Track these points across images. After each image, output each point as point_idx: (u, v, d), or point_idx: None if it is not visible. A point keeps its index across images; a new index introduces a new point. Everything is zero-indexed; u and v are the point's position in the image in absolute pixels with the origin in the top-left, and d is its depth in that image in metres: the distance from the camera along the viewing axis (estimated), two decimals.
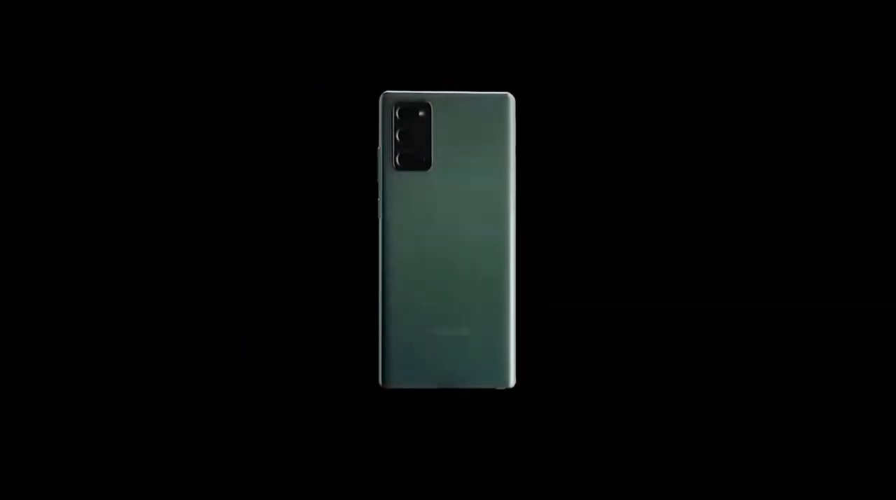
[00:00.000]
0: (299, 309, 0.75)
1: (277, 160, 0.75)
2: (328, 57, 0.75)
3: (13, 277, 0.72)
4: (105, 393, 0.73)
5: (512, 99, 0.73)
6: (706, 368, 0.74)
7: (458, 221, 0.72)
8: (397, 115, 0.72)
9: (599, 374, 0.75)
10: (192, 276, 0.74)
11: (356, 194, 0.74)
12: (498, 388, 0.72)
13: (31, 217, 0.73)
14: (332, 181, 0.75)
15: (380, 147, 0.72)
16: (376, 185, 0.73)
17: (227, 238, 0.75)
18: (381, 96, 0.72)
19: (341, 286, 0.75)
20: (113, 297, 0.73)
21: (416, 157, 0.72)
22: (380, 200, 0.72)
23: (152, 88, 0.74)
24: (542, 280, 0.75)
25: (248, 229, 0.75)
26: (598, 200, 0.75)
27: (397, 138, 0.72)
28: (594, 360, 0.75)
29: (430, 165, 0.72)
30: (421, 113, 0.72)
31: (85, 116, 0.73)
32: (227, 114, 0.74)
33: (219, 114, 0.74)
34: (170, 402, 0.73)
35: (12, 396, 0.71)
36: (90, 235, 0.73)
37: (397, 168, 0.72)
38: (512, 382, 0.72)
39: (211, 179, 0.74)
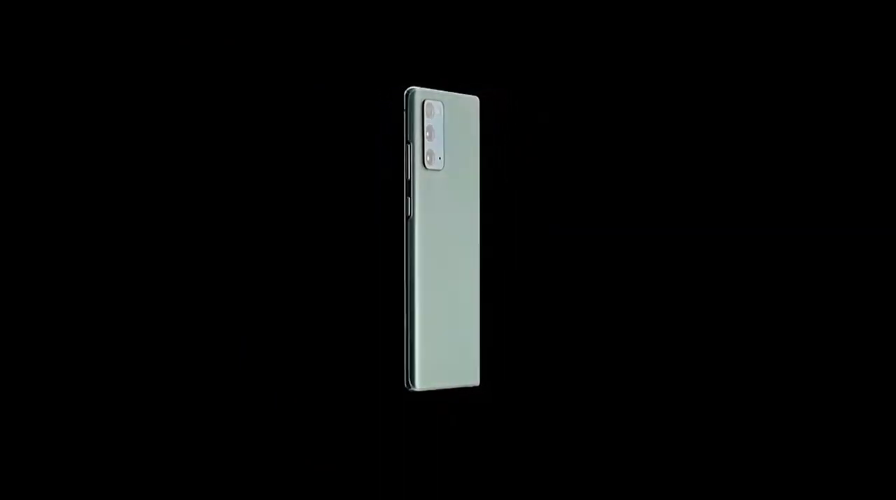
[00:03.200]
0: (310, 312, 0.71)
1: (288, 165, 0.71)
2: (327, 56, 0.72)
3: (16, 277, 0.64)
4: (132, 393, 0.67)
5: (477, 101, 0.75)
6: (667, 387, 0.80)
7: (455, 222, 0.74)
8: (425, 112, 0.71)
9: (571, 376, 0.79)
10: (210, 277, 0.68)
11: (352, 194, 0.72)
12: (468, 386, 0.74)
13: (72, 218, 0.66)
14: (336, 181, 0.72)
15: (409, 145, 0.71)
16: (403, 183, 0.71)
17: (237, 240, 0.69)
18: (408, 93, 0.71)
19: (350, 289, 0.72)
20: (142, 296, 0.68)
21: (437, 155, 0.72)
22: (409, 198, 0.71)
23: (163, 88, 0.68)
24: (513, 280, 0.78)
25: (254, 231, 0.70)
26: (581, 202, 0.80)
27: (427, 136, 0.71)
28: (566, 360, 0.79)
29: (445, 163, 0.73)
30: (438, 111, 0.72)
31: (98, 118, 0.66)
32: (229, 115, 0.69)
33: (224, 115, 0.69)
34: (180, 403, 0.68)
35: (12, 396, 0.65)
36: (110, 239, 0.67)
37: (425, 167, 0.71)
38: (477, 380, 0.75)
39: (229, 183, 0.69)
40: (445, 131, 0.72)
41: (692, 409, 0.79)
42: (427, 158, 0.71)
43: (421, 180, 0.71)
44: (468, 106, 0.74)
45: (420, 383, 0.71)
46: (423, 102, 0.71)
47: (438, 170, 0.72)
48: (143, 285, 0.68)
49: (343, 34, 0.73)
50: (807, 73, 0.80)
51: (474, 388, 0.74)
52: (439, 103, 0.72)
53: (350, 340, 0.72)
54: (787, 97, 0.80)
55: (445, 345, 0.72)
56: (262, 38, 0.70)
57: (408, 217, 0.71)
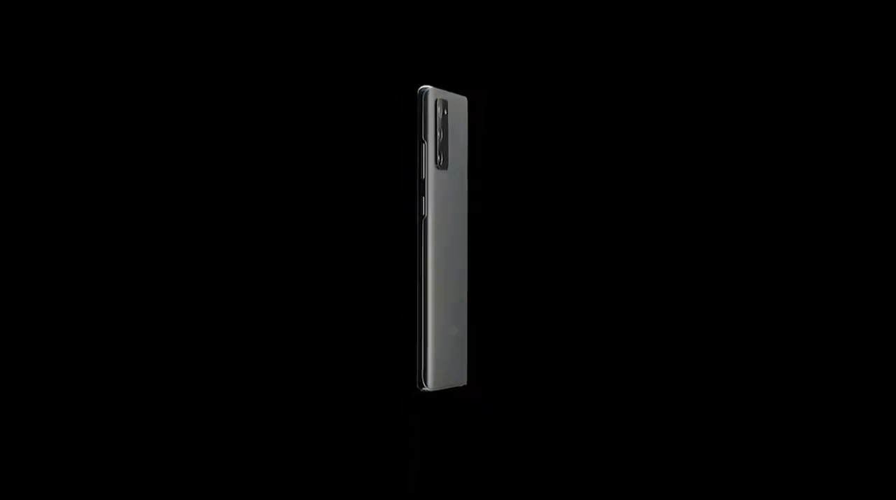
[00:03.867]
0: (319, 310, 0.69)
1: (295, 166, 0.70)
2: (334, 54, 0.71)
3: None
4: (157, 392, 0.68)
5: (466, 101, 0.76)
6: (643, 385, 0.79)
7: (457, 222, 0.74)
8: (440, 112, 0.71)
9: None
10: (220, 278, 0.68)
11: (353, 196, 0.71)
12: (458, 386, 0.75)
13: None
14: (346, 182, 0.71)
15: (425, 145, 0.71)
16: (417, 183, 0.71)
17: (248, 241, 0.69)
18: (423, 92, 0.71)
19: (359, 289, 0.71)
20: (161, 296, 0.68)
21: (446, 155, 0.72)
22: (423, 198, 0.70)
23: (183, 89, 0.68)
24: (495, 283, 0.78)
25: (263, 234, 0.69)
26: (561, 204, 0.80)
27: (440, 136, 0.71)
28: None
29: (449, 163, 0.73)
30: (445, 111, 0.72)
31: (138, 117, 0.68)
32: (239, 115, 0.69)
33: (236, 115, 0.69)
34: (193, 403, 0.68)
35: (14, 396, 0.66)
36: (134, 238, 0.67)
37: (437, 166, 0.71)
38: (465, 380, 0.76)
39: (238, 184, 0.69)
40: (449, 131, 0.73)
41: (674, 408, 0.79)
42: (439, 158, 0.71)
43: (434, 179, 0.71)
44: (460, 106, 0.74)
45: (432, 384, 0.71)
46: (436, 101, 0.71)
47: (446, 169, 0.72)
48: (163, 285, 0.68)
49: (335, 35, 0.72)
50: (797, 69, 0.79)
51: (463, 387, 0.75)
52: (445, 103, 0.72)
53: (359, 340, 0.71)
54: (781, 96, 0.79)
55: (450, 345, 0.72)
56: (262, 38, 0.70)
57: (422, 217, 0.70)
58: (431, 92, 0.71)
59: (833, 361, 0.77)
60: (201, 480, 0.68)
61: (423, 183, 0.70)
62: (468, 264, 0.75)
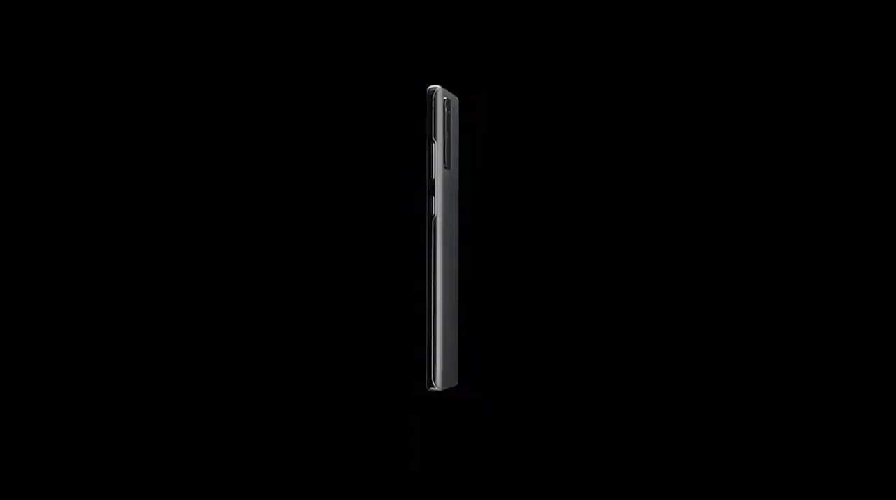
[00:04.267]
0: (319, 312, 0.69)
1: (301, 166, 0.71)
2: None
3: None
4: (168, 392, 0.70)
5: (457, 101, 0.76)
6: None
7: (456, 222, 0.75)
8: (448, 112, 0.71)
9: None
10: (223, 280, 0.69)
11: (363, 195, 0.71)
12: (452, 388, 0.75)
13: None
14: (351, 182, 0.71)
15: (434, 144, 0.71)
16: (427, 183, 0.71)
17: (253, 241, 0.70)
18: (432, 91, 0.70)
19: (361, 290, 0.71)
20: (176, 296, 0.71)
21: (451, 154, 0.72)
22: (433, 198, 0.70)
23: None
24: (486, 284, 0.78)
25: (269, 235, 0.70)
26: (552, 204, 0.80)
27: (447, 136, 0.71)
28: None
29: (451, 163, 0.73)
30: (449, 111, 0.73)
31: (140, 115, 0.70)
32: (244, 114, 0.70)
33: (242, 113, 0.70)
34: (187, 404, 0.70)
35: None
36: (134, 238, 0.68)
37: (445, 167, 0.71)
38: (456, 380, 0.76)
39: (245, 184, 0.70)
40: (452, 131, 0.73)
41: (672, 408, 0.78)
42: (446, 157, 0.71)
43: (442, 179, 0.71)
44: (454, 105, 0.75)
45: (441, 384, 0.71)
46: (445, 101, 0.71)
47: (449, 169, 0.72)
48: (165, 285, 0.69)
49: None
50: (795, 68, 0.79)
51: (456, 387, 0.75)
52: (449, 102, 0.72)
53: (361, 340, 0.71)
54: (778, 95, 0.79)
55: (452, 345, 0.73)
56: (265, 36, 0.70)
57: (432, 217, 0.70)
58: (440, 92, 0.71)
59: (832, 361, 0.78)
60: (210, 478, 0.67)
61: (432, 183, 0.70)
62: (461, 265, 0.75)
